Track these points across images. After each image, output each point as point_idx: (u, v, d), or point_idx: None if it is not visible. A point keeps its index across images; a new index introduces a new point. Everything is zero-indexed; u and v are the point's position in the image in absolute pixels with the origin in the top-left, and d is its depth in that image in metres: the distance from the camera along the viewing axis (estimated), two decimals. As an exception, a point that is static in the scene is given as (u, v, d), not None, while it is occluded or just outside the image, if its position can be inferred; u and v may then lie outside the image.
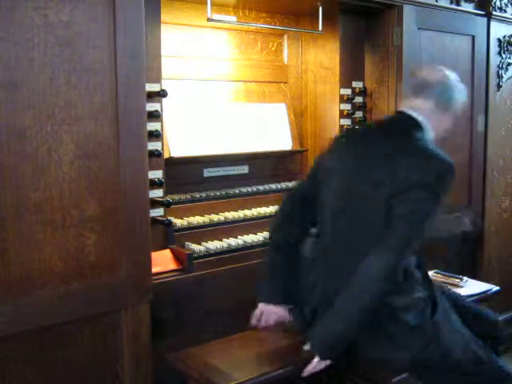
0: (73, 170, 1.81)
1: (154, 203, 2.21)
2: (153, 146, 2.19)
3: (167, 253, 2.27)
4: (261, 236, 2.54)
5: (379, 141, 1.90)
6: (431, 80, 1.92)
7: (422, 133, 1.89)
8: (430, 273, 2.70)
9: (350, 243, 1.84)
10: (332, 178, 1.91)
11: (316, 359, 1.78)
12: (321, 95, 3.04)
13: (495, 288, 2.60)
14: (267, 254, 2.04)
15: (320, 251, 1.92)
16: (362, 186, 1.82)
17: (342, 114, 2.95)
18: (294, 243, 2.00)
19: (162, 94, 2.21)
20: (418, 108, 1.91)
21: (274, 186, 2.87)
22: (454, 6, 3.06)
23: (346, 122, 2.96)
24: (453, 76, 1.96)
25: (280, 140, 2.94)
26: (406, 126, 1.90)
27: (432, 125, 1.91)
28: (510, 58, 3.40)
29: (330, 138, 3.01)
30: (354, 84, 2.98)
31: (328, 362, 1.80)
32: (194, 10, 2.62)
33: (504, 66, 3.38)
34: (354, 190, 1.84)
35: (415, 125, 1.89)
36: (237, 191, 2.73)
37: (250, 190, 2.78)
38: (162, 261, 2.21)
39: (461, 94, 1.96)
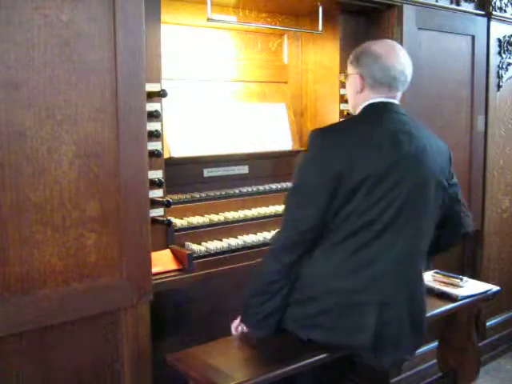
0: (73, 170, 1.81)
1: (154, 203, 2.21)
2: (153, 146, 2.19)
3: (167, 253, 2.27)
4: (261, 236, 2.54)
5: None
6: (408, 73, 1.96)
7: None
8: (430, 273, 2.70)
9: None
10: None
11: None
12: (321, 95, 3.04)
13: (495, 288, 2.59)
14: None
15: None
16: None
17: (342, 114, 2.95)
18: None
19: (162, 94, 2.21)
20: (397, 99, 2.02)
21: (273, 186, 2.87)
22: (454, 6, 3.06)
23: (346, 122, 2.96)
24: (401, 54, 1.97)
25: (280, 140, 2.94)
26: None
27: None
28: (510, 57, 3.41)
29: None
30: (354, 84, 2.98)
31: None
32: (194, 9, 2.62)
33: (504, 66, 3.39)
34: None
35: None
36: (237, 191, 2.73)
37: (249, 190, 2.78)
38: (162, 261, 2.21)
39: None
